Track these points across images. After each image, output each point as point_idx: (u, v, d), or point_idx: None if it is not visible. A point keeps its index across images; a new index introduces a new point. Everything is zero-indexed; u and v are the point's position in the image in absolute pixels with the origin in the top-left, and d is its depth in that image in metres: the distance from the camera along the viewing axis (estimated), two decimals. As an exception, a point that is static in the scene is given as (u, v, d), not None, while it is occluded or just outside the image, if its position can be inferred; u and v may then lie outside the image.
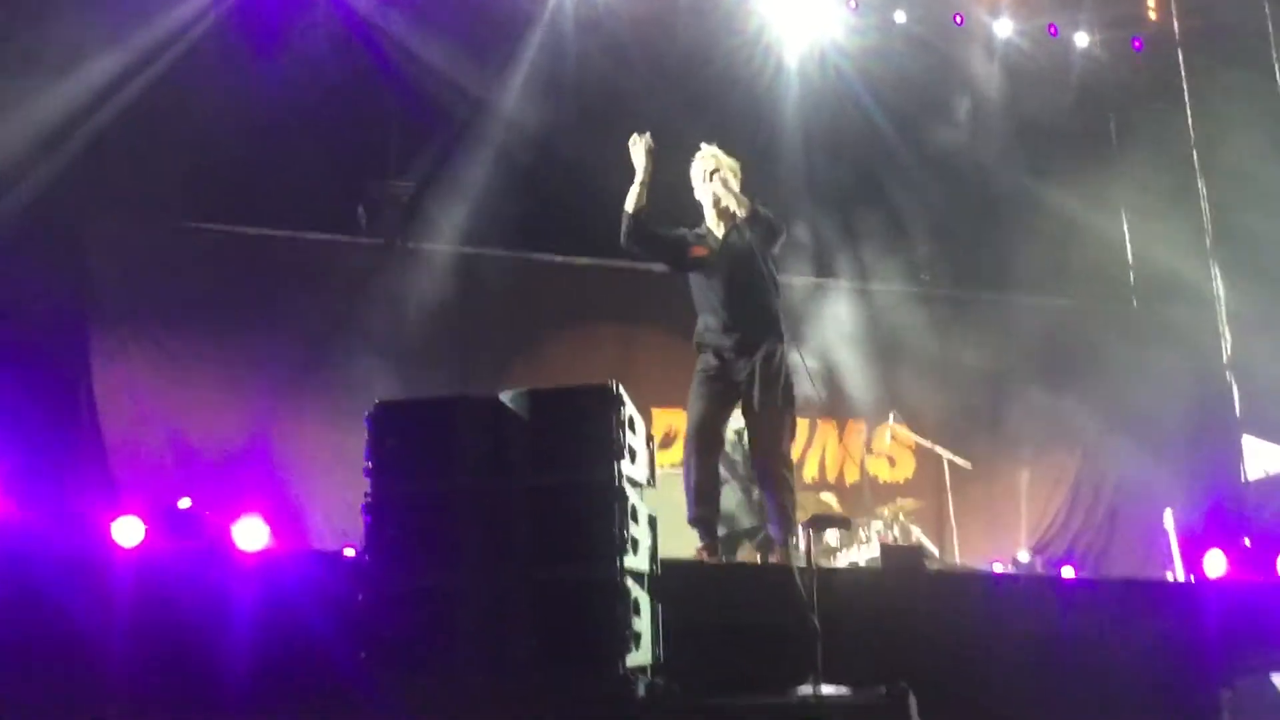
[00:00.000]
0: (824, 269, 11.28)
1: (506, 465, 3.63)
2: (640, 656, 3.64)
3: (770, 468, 5.83)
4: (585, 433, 3.62)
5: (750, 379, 5.80)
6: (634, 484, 3.79)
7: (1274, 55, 12.28)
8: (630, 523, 3.63)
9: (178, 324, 9.34)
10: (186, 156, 9.27)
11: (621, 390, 3.66)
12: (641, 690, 3.53)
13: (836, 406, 11.28)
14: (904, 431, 10.01)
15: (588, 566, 3.50)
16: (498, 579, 3.57)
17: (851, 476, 11.44)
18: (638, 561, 3.73)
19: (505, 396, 3.71)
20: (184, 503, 7.78)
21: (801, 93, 11.51)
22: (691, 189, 6.33)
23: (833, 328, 10.67)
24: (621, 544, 3.51)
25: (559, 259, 10.87)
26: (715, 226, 6.15)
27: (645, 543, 3.87)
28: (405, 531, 3.61)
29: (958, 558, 9.53)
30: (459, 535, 3.61)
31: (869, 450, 11.45)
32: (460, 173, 10.31)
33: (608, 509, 3.51)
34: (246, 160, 9.61)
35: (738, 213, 5.95)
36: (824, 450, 11.50)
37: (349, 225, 10.20)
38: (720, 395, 5.92)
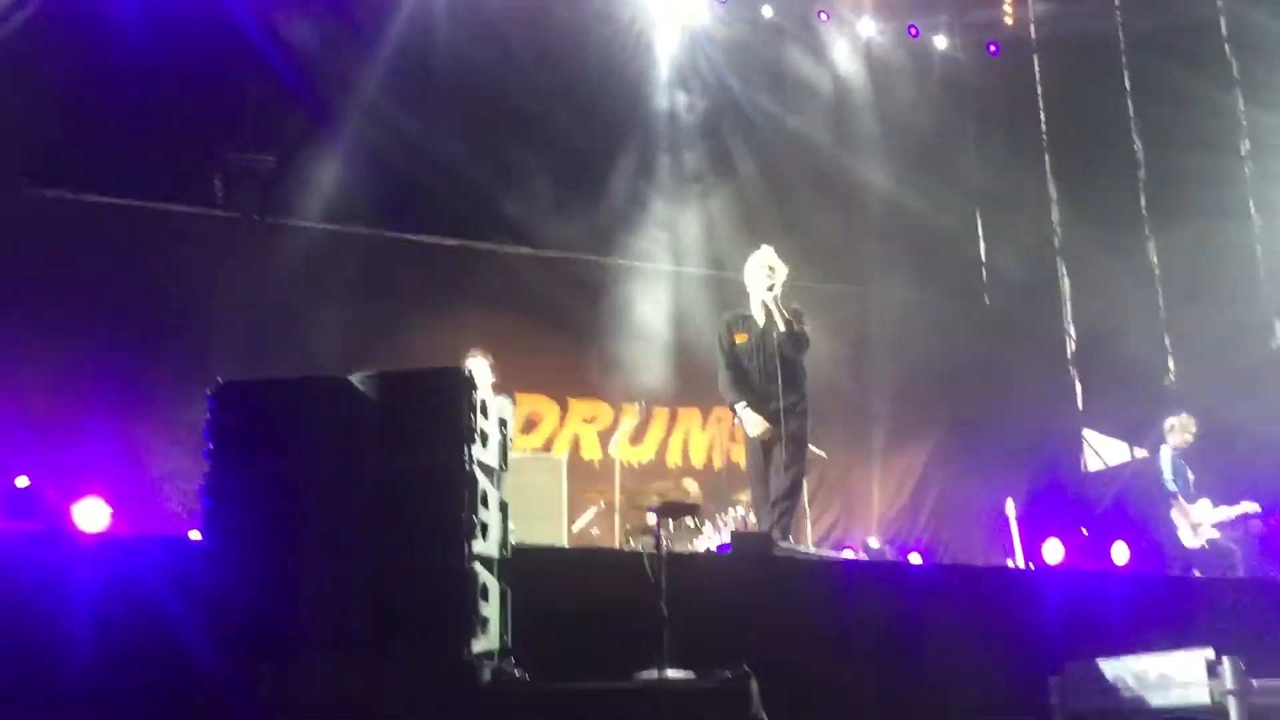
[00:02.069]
0: (683, 258, 11.37)
1: (354, 448, 3.57)
2: (487, 642, 3.62)
3: (794, 486, 7.05)
4: (435, 417, 3.58)
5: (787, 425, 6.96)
6: (485, 469, 3.76)
7: (1123, 62, 12.82)
8: (480, 508, 3.61)
9: (15, 294, 8.92)
10: (31, 120, 8.88)
11: (473, 374, 3.63)
12: (487, 675, 3.52)
13: (700, 393, 11.40)
14: (762, 420, 10.16)
15: (434, 551, 3.47)
16: (342, 564, 3.51)
17: (718, 463, 11.59)
18: (487, 547, 3.70)
19: (354, 378, 3.65)
20: (22, 481, 7.46)
21: (671, 81, 11.62)
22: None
23: (696, 315, 10.78)
24: (470, 529, 3.49)
25: (423, 239, 10.71)
26: (758, 315, 7.27)
27: (496, 528, 3.84)
28: (246, 515, 3.53)
29: (810, 544, 9.73)
30: (302, 519, 3.54)
31: (732, 438, 11.59)
32: (323, 149, 10.09)
33: (456, 494, 3.49)
34: (97, 127, 9.25)
35: (779, 327, 7.07)
36: (687, 436, 11.60)
37: (204, 197, 9.87)
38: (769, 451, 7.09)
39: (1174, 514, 9.40)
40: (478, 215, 10.59)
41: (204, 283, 9.40)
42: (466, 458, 3.54)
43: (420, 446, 3.58)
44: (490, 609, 3.65)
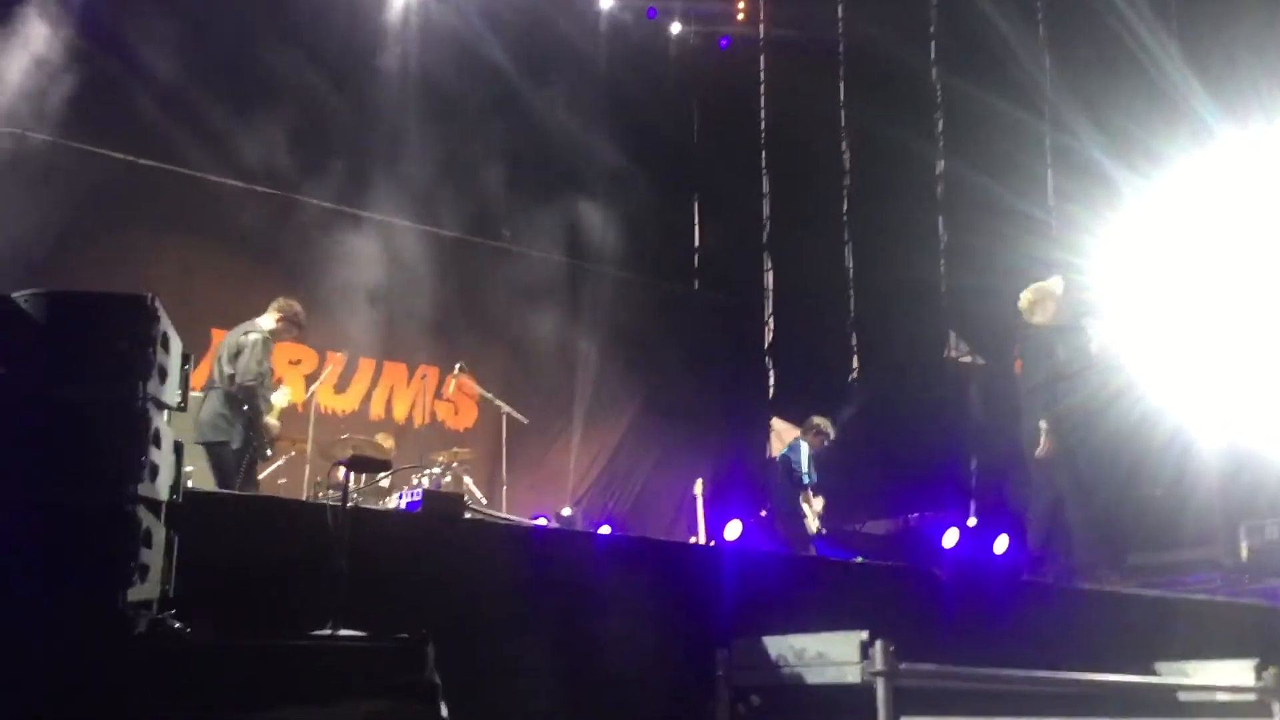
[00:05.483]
0: (403, 211, 11.09)
1: (14, 373, 3.24)
2: (147, 590, 3.38)
3: None
4: (110, 345, 3.29)
5: None
6: (161, 406, 3.51)
7: (840, 71, 13.50)
8: (151, 447, 3.36)
9: None
10: None
11: (158, 304, 3.37)
12: (142, 626, 3.29)
13: (407, 350, 11.21)
14: (468, 382, 10.12)
15: (94, 491, 3.20)
16: (-6, 499, 3.18)
17: (420, 420, 11.42)
18: (155, 489, 3.46)
19: (19, 296, 3.30)
20: None
21: (407, 36, 11.35)
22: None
23: (407, 273, 10.57)
24: (137, 469, 3.24)
25: (120, 156, 9.88)
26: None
27: (167, 470, 3.59)
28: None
29: (505, 509, 9.76)
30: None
31: (439, 397, 11.44)
32: (18, 49, 9.17)
33: (125, 430, 3.23)
34: None
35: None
36: (391, 391, 11.37)
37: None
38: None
39: (802, 501, 10.11)
40: (190, 139, 9.92)
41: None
42: (140, 393, 3.28)
43: (89, 377, 3.28)
44: (153, 556, 3.41)
